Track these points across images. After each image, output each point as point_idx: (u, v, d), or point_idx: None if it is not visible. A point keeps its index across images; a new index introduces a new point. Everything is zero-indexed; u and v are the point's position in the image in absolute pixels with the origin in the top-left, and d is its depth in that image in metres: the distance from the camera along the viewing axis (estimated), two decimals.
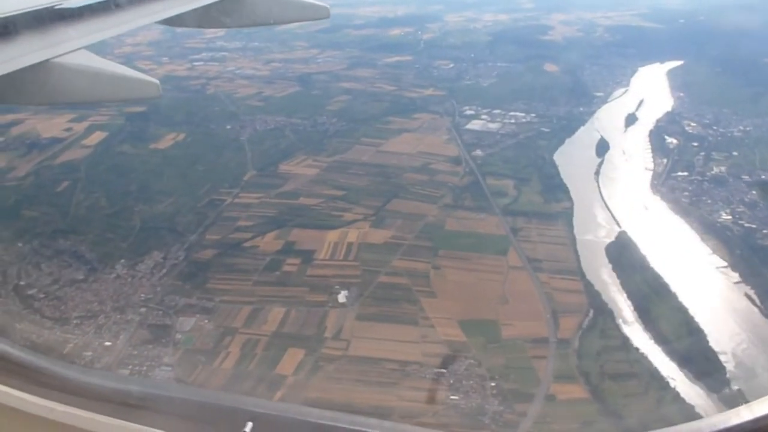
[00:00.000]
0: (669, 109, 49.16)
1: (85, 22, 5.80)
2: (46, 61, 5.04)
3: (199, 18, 7.86)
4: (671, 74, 57.67)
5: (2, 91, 5.24)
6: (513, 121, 47.17)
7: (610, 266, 28.96)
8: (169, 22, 7.36)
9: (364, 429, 3.01)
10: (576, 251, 29.93)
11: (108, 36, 5.89)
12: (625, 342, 24.11)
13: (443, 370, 22.34)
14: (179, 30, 74.47)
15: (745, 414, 2.40)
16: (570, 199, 35.12)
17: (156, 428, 3.10)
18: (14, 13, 5.07)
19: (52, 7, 5.52)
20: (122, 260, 29.06)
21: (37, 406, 3.20)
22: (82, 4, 5.96)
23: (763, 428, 2.34)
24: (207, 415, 3.25)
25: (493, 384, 21.76)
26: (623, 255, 29.72)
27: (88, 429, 3.15)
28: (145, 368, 22.74)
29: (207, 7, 7.70)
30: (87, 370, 3.58)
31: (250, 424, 3.01)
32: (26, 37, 5.08)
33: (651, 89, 54.33)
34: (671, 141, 43.06)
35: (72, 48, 5.32)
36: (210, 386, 21.63)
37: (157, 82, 5.56)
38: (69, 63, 5.20)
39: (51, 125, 43.68)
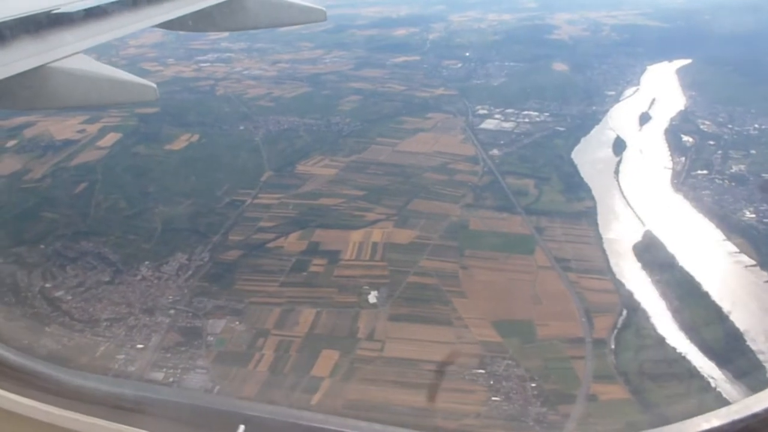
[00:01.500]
0: (682, 107, 48.99)
1: (81, 26, 5.75)
2: (43, 65, 4.99)
3: (195, 21, 7.83)
4: (680, 73, 57.58)
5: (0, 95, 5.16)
6: (527, 120, 46.95)
7: (638, 265, 28.78)
8: (165, 25, 7.36)
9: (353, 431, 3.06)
10: (603, 250, 29.75)
11: (105, 40, 5.86)
12: (662, 342, 23.91)
13: (482, 371, 22.11)
14: (181, 32, 74.46)
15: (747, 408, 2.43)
16: (592, 198, 34.95)
17: (149, 431, 3.13)
18: (10, 18, 4.99)
19: (49, 11, 5.44)
20: (146, 262, 28.77)
21: (35, 409, 3.25)
22: (78, 8, 5.86)
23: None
24: (200, 419, 3.28)
25: (533, 385, 21.56)
26: (651, 254, 29.51)
27: None
28: (179, 371, 22.48)
29: (203, 11, 7.69)
30: (82, 374, 3.58)
31: (242, 427, 3.03)
32: (23, 42, 5.02)
33: (662, 88, 54.24)
34: (687, 139, 42.89)
35: (69, 52, 5.26)
36: (247, 390, 21.36)
37: (154, 85, 5.44)
38: (66, 67, 5.13)
39: (64, 127, 43.40)
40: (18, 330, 23.85)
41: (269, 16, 8.36)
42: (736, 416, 2.43)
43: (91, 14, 5.91)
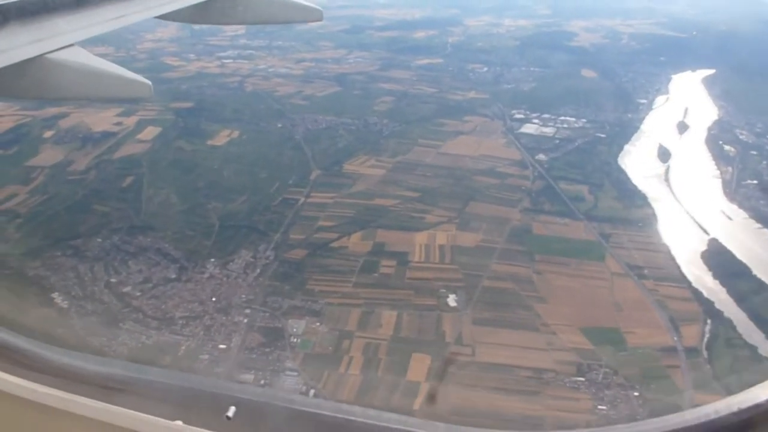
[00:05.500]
0: (716, 117, 48.98)
1: (77, 14, 5.43)
2: (37, 56, 4.71)
3: (194, 14, 7.69)
4: (707, 82, 57.65)
5: None
6: (566, 126, 46.65)
7: (710, 273, 28.40)
8: (164, 17, 7.07)
9: (348, 417, 3.06)
10: (673, 258, 29.38)
11: (103, 31, 5.55)
12: (754, 351, 23.52)
13: (581, 379, 21.59)
14: (196, 27, 73.84)
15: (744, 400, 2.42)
16: (649, 205, 34.67)
17: (138, 412, 3.06)
18: (1, 2, 4.69)
19: None
20: (212, 259, 28.01)
21: (19, 387, 3.20)
22: None
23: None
24: (190, 400, 3.26)
25: (636, 394, 21.08)
26: (721, 262, 29.18)
27: (71, 411, 3.12)
28: (268, 373, 21.73)
29: (202, 4, 7.55)
30: (69, 352, 3.47)
31: (232, 409, 3.03)
32: (14, 29, 4.70)
33: (692, 97, 54.23)
34: (729, 149, 42.79)
35: (65, 43, 4.96)
36: (345, 393, 20.64)
37: (150, 83, 5.05)
38: (61, 59, 4.82)
39: (99, 119, 42.57)
40: (94, 326, 23.11)
41: (266, 13, 8.28)
42: (737, 408, 2.41)
43: (86, 3, 5.58)
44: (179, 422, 3.01)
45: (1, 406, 3.25)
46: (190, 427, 2.99)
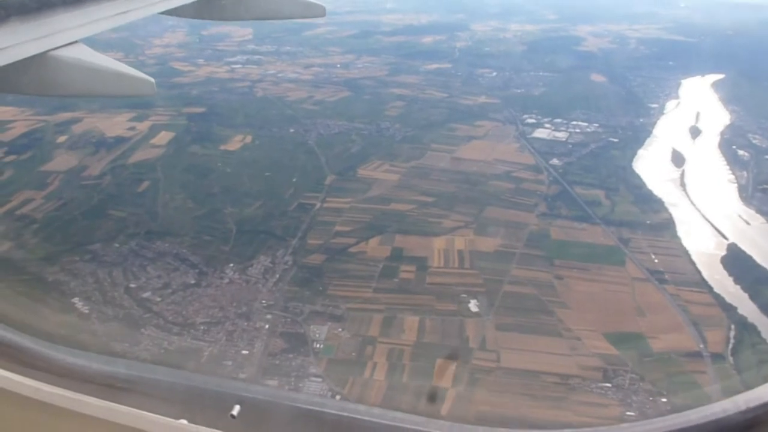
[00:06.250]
0: (728, 121, 48.87)
1: (79, 11, 5.51)
2: (42, 54, 4.75)
3: (198, 10, 7.86)
4: (717, 87, 57.60)
5: None
6: (578, 130, 46.56)
7: (731, 279, 28.23)
8: (168, 12, 7.23)
9: (352, 415, 3.10)
10: (693, 263, 29.23)
11: (106, 28, 5.60)
12: None
13: (608, 384, 21.42)
14: (204, 32, 73.97)
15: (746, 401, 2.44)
16: (666, 209, 34.53)
17: (143, 411, 3.06)
18: None
19: None
20: (230, 264, 27.89)
21: (23, 386, 3.19)
22: None
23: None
24: (196, 398, 3.32)
25: (664, 400, 20.89)
26: (742, 267, 29.02)
27: (75, 410, 3.11)
28: (293, 379, 21.58)
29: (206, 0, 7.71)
30: (73, 351, 3.49)
31: (237, 407, 3.06)
32: (14, 26, 4.77)
33: (702, 101, 54.14)
34: (743, 154, 42.70)
35: (66, 40, 5.00)
36: (372, 399, 20.48)
37: (152, 80, 5.12)
38: (65, 56, 4.87)
39: (112, 124, 42.61)
40: (115, 332, 23.00)
41: (269, 8, 8.46)
42: (737, 410, 2.45)
43: None
44: (183, 421, 3.01)
45: (6, 405, 3.23)
46: (195, 425, 2.99)
